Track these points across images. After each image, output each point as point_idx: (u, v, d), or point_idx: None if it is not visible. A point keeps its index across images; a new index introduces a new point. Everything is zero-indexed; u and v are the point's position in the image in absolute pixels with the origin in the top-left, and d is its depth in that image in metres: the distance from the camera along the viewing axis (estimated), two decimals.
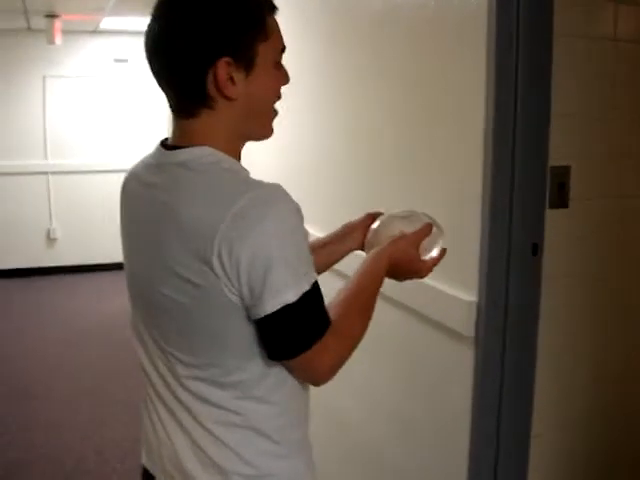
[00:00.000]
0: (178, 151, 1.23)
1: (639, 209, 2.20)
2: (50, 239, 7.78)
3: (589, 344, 2.15)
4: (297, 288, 1.13)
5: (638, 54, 2.18)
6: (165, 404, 1.29)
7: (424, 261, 1.45)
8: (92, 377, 4.85)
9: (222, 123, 1.23)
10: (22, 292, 7.07)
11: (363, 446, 2.69)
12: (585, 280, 2.10)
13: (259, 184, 1.15)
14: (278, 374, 1.24)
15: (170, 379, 1.27)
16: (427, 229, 1.44)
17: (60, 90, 7.59)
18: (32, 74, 7.43)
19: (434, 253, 1.47)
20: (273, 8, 1.25)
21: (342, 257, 1.62)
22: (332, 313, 1.22)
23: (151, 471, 1.37)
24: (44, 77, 7.50)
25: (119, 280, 6.05)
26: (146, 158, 1.32)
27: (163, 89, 1.25)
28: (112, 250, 7.63)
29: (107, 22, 6.86)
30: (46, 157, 7.63)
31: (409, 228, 1.46)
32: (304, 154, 3.14)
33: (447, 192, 2.05)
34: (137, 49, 6.49)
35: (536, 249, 1.90)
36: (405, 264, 1.41)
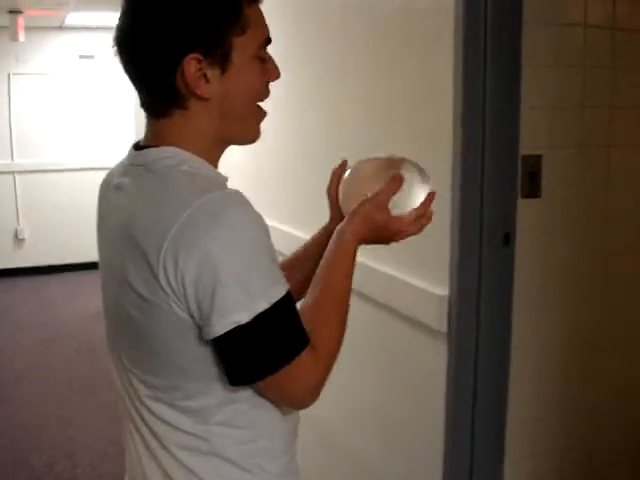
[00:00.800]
0: (143, 151, 1.13)
1: (607, 199, 2.18)
2: (18, 239, 7.64)
3: (559, 334, 2.12)
4: (250, 307, 1.00)
5: (608, 40, 2.16)
6: (134, 423, 1.19)
7: (400, 221, 1.22)
8: (62, 380, 4.76)
9: (195, 124, 1.12)
10: None
11: (339, 444, 2.65)
12: (556, 270, 2.07)
13: (213, 189, 1.03)
14: (248, 398, 1.11)
15: (135, 398, 1.17)
16: (394, 185, 1.21)
17: (25, 88, 7.45)
18: None
19: (415, 204, 1.23)
20: None
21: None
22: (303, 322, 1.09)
23: None
24: (9, 75, 7.36)
25: (90, 280, 6.01)
26: (122, 159, 1.22)
27: (133, 85, 1.15)
28: (82, 249, 7.66)
29: (72, 18, 6.74)
30: (12, 156, 7.49)
31: (378, 182, 1.22)
32: (273, 153, 3.08)
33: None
34: (103, 45, 6.41)
35: (508, 239, 1.87)
36: (376, 234, 1.22)
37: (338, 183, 1.32)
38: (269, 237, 1.05)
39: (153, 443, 1.15)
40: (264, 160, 3.15)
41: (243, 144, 1.21)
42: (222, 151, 1.19)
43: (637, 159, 2.23)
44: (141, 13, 1.09)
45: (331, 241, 1.21)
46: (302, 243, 1.42)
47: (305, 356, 1.06)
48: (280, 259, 1.19)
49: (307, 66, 2.71)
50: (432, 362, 1.97)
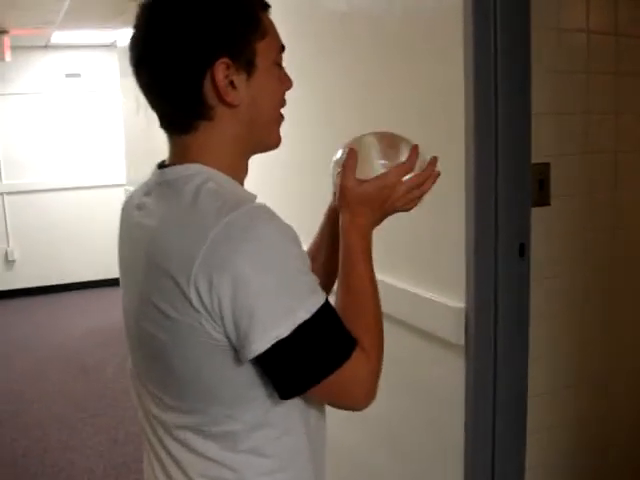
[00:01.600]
0: (166, 170, 1.11)
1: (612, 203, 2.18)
2: (8, 261, 7.55)
3: (572, 344, 2.10)
4: (290, 320, 0.97)
5: (611, 46, 2.16)
6: (154, 450, 1.16)
7: (387, 177, 1.15)
8: (59, 402, 4.69)
9: (223, 135, 1.10)
10: None
11: (355, 463, 2.61)
12: (568, 277, 2.06)
13: (239, 205, 1.00)
14: (278, 424, 1.09)
15: (157, 425, 1.13)
16: (399, 172, 1.16)
17: (12, 108, 7.38)
18: None
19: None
20: (266, 6, 1.13)
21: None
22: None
23: None
24: None
25: (82, 301, 5.94)
26: (146, 178, 1.19)
27: (153, 104, 1.12)
28: (73, 270, 7.65)
29: (58, 36, 6.70)
30: (0, 177, 7.42)
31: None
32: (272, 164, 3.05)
33: (430, 194, 1.99)
34: (88, 63, 6.38)
35: (523, 249, 1.85)
36: (376, 208, 1.16)
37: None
38: (300, 246, 1.03)
39: (174, 471, 1.12)
40: (270, 171, 3.13)
41: (266, 150, 1.19)
42: (247, 165, 1.17)
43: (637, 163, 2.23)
44: (162, 25, 1.06)
45: (340, 242, 1.17)
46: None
47: (356, 357, 1.04)
48: None
49: (314, 77, 2.69)
50: (450, 376, 1.94)
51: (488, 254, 1.82)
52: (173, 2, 1.07)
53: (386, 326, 2.12)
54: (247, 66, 1.08)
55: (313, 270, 1.06)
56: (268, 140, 1.18)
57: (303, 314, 0.99)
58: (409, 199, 1.19)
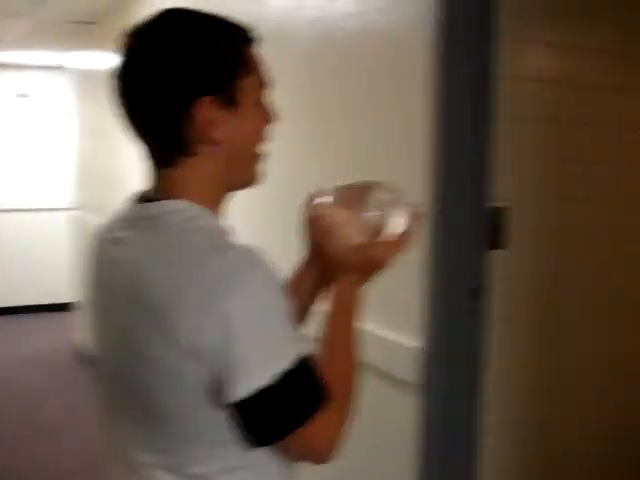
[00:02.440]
0: (150, 204, 1.09)
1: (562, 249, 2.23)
2: None
3: (524, 388, 2.14)
4: (271, 368, 0.98)
5: (562, 95, 2.23)
6: None
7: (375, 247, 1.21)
8: (11, 434, 4.53)
9: (202, 172, 1.09)
10: None
11: None
12: (526, 319, 2.10)
13: (229, 248, 1.00)
14: (253, 467, 1.08)
15: (132, 464, 1.10)
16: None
17: None
18: None
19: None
20: (250, 41, 1.12)
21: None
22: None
23: None
24: None
25: (37, 324, 5.75)
26: (119, 211, 1.17)
27: (135, 135, 1.11)
28: (27, 292, 7.42)
29: (9, 56, 6.61)
30: None
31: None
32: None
33: None
34: (40, 83, 6.28)
35: (478, 290, 1.88)
36: (364, 272, 1.23)
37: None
38: (283, 295, 1.03)
39: None
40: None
41: (245, 188, 1.18)
42: (226, 200, 1.17)
43: (588, 211, 2.29)
44: (148, 57, 1.05)
45: (332, 300, 1.22)
46: None
47: (326, 409, 1.05)
48: None
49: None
50: (404, 415, 1.95)
51: (443, 295, 1.85)
52: (158, 36, 1.06)
53: None
54: (230, 103, 1.07)
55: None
56: (247, 177, 1.17)
57: (284, 364, 0.99)
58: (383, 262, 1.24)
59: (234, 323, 0.96)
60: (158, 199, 1.09)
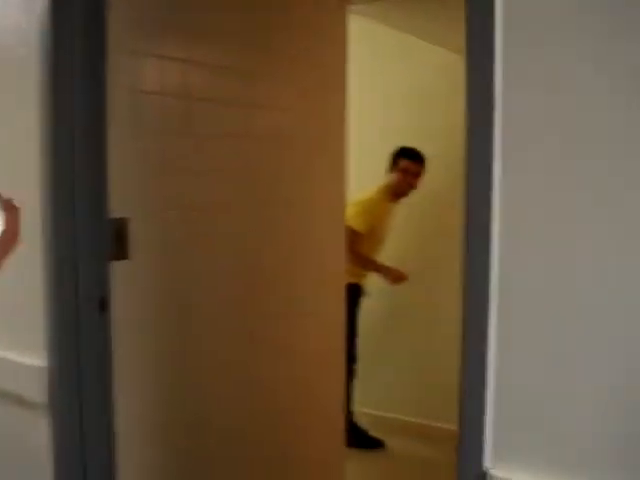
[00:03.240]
0: None
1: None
2: None
3: (157, 395, 2.19)
4: None
5: (183, 108, 2.32)
6: None
7: None
8: None
9: None
10: None
11: None
12: (152, 327, 2.15)
13: None
14: None
15: None
16: None
17: None
18: None
19: None
20: None
21: None
22: None
23: None
24: None
25: None
26: None
27: None
28: None
29: None
30: None
31: None
32: None
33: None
34: None
35: (103, 304, 1.89)
36: None
37: None
38: None
39: None
40: None
41: None
42: None
43: (215, 220, 2.40)
44: None
45: None
46: None
47: None
48: None
49: None
50: (36, 437, 1.89)
51: (68, 311, 1.83)
52: None
53: None
54: None
55: None
56: None
57: None
58: None
59: None
60: None
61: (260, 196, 2.53)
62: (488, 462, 1.33)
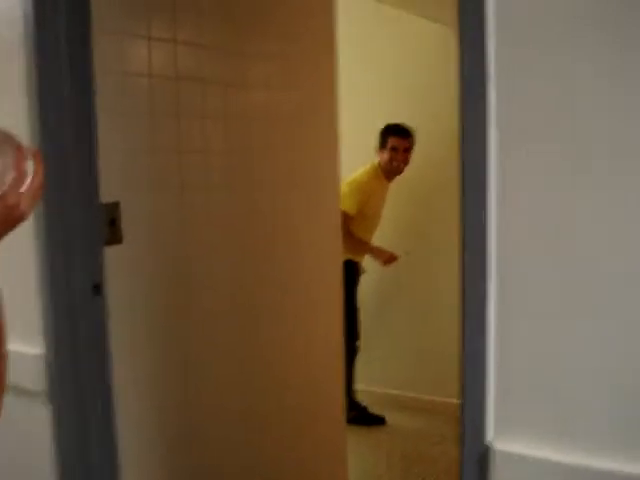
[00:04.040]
0: None
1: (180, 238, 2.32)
2: None
3: (153, 378, 2.19)
4: None
5: (171, 89, 2.29)
6: None
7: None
8: None
9: None
10: None
11: None
12: (146, 311, 2.14)
13: None
14: None
15: None
16: None
17: None
18: None
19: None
20: None
21: None
22: None
23: None
24: None
25: None
26: None
27: None
28: None
29: None
30: None
31: None
32: None
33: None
34: None
35: (98, 288, 1.87)
36: None
37: None
38: None
39: None
40: None
41: None
42: None
43: (207, 200, 2.39)
44: None
45: None
46: None
47: None
48: None
49: None
50: (38, 425, 1.88)
51: (62, 297, 1.81)
52: None
53: None
54: None
55: None
56: None
57: None
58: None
59: None
60: None
61: (251, 175, 2.51)
62: (491, 434, 1.32)
